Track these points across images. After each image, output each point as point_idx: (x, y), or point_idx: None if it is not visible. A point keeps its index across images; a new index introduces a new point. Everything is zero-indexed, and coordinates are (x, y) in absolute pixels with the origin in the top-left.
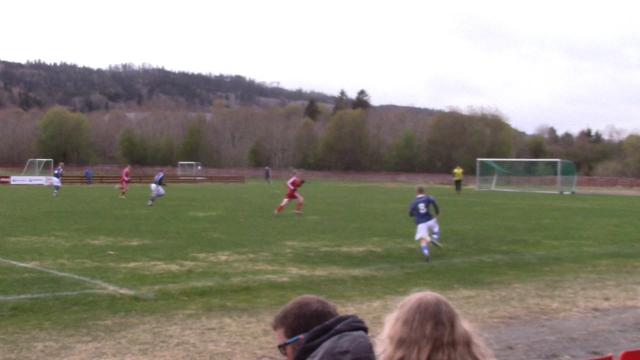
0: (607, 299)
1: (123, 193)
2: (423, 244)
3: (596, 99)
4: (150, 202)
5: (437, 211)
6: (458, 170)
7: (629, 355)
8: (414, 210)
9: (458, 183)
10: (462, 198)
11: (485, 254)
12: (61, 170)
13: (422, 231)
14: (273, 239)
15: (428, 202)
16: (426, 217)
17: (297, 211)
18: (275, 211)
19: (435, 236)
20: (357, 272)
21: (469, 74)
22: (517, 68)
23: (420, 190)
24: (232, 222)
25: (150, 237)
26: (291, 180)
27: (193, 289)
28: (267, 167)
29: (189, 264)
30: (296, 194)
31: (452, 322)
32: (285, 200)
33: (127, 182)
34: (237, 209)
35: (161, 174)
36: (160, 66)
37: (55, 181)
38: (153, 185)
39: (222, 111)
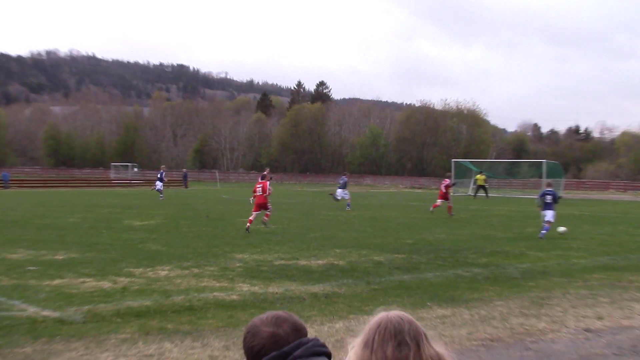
0: (600, 318)
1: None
2: (545, 225)
3: (585, 92)
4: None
5: (556, 202)
6: (481, 177)
7: None
8: (541, 199)
9: (480, 188)
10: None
11: (462, 267)
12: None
13: (543, 215)
14: (221, 251)
15: (553, 195)
16: (550, 206)
17: (263, 221)
18: (254, 222)
19: (546, 228)
20: (316, 288)
21: (441, 64)
22: (495, 57)
23: (549, 185)
24: (174, 231)
25: (79, 250)
26: (259, 186)
27: (128, 309)
28: (184, 169)
29: (123, 280)
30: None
31: (417, 342)
32: (254, 213)
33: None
34: (180, 217)
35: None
36: (90, 53)
37: None
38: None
39: (162, 105)
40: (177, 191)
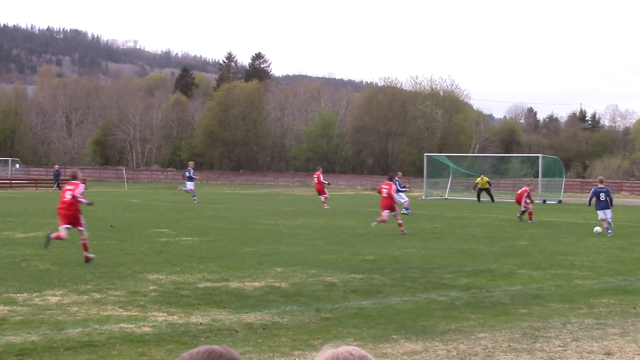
0: (609, 354)
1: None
2: (604, 225)
3: (592, 67)
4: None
5: (611, 203)
6: (483, 179)
7: None
8: (595, 197)
9: (481, 192)
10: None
11: (436, 290)
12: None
13: (601, 214)
14: (129, 271)
15: (608, 192)
16: (604, 203)
17: None
18: None
19: (607, 228)
20: (252, 317)
21: (405, 30)
22: (476, 19)
23: (601, 181)
24: (68, 246)
25: None
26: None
27: (8, 346)
28: (56, 166)
29: (1, 309)
30: None
31: None
32: None
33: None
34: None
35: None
36: None
37: None
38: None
39: (52, 83)
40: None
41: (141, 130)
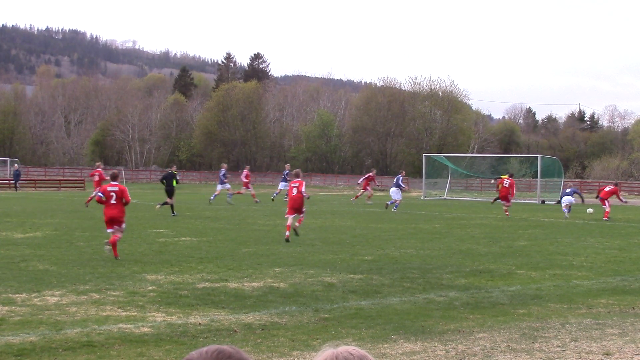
0: (607, 354)
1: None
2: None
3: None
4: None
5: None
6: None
7: None
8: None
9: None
10: (405, 210)
11: (435, 290)
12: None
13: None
14: (128, 271)
15: (575, 191)
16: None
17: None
18: None
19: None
20: (251, 318)
21: (404, 30)
22: (475, 20)
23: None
24: (67, 246)
25: None
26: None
27: (7, 346)
28: (16, 166)
29: (0, 309)
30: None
31: None
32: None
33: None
34: (75, 228)
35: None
36: None
37: None
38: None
39: (51, 83)
40: (43, 194)
41: (140, 130)
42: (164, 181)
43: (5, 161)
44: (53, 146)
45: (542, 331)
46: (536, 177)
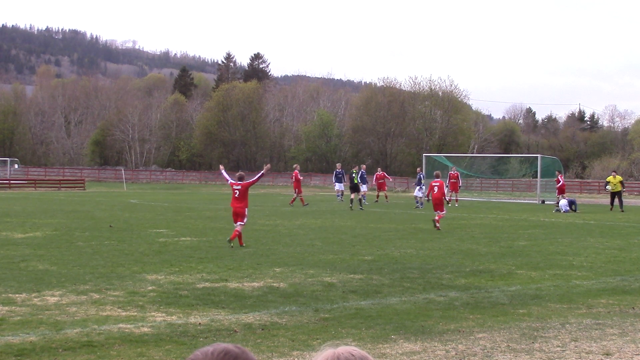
0: (607, 354)
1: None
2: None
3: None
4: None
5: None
6: (614, 179)
7: None
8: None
9: (614, 196)
10: (405, 210)
11: (434, 290)
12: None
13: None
14: (128, 271)
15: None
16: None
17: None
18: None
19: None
20: (251, 318)
21: (404, 30)
22: (475, 20)
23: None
24: (67, 246)
25: None
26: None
27: (7, 346)
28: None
29: (0, 309)
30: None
31: None
32: None
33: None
34: (75, 228)
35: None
36: None
37: None
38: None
39: (51, 83)
40: (43, 194)
41: (140, 130)
42: None
43: (4, 161)
44: (53, 146)
45: (542, 331)
46: (536, 177)
